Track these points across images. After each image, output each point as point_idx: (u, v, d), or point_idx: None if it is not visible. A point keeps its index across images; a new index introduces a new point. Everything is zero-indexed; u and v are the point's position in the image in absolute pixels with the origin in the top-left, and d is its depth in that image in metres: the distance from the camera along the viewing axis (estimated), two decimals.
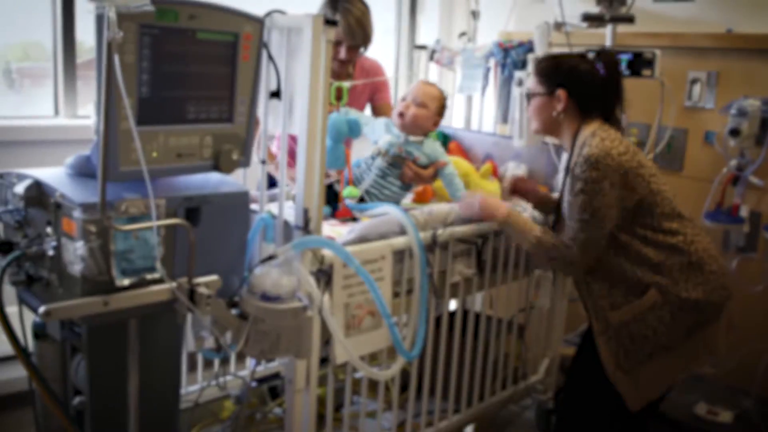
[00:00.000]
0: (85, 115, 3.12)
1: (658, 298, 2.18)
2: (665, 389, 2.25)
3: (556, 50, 2.99)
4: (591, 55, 2.37)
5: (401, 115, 2.58)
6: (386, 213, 2.34)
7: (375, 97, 3.19)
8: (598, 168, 2.14)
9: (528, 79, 2.45)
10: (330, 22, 1.90)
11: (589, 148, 2.19)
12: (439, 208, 2.50)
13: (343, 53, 2.92)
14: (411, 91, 2.64)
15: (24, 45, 3.19)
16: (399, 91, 4.40)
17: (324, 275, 2.02)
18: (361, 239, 2.18)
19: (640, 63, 2.78)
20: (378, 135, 2.62)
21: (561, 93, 2.31)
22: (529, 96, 2.41)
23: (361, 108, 3.16)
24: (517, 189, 2.74)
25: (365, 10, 2.92)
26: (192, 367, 2.60)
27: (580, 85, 2.31)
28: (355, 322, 2.16)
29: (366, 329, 2.19)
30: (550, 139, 3.01)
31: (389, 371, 2.23)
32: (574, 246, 2.23)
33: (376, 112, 3.19)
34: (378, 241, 2.21)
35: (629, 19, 2.91)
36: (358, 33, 2.89)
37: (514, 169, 3.04)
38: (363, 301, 2.16)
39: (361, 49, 3.02)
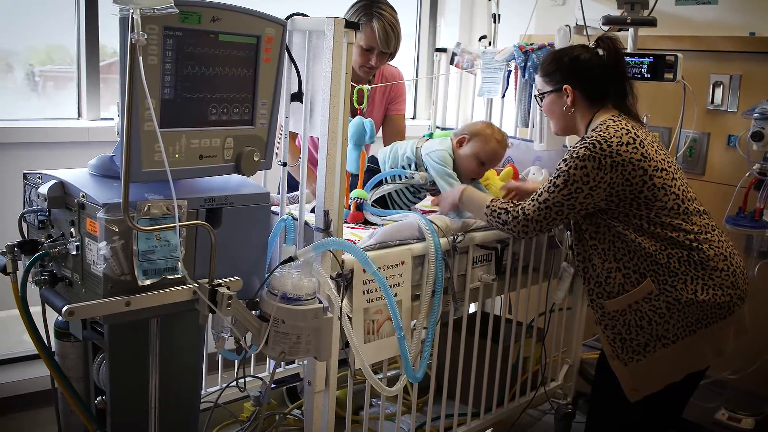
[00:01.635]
0: (108, 117, 3.15)
1: (654, 289, 2.17)
2: (666, 384, 2.23)
3: None
4: (592, 44, 2.36)
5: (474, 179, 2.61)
6: (406, 218, 2.35)
7: (390, 107, 3.19)
8: (589, 149, 2.14)
9: (536, 79, 2.45)
10: (352, 25, 1.91)
11: (592, 134, 2.19)
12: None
13: (374, 60, 2.91)
14: (493, 158, 2.58)
15: (48, 48, 3.23)
16: (418, 95, 4.42)
17: (344, 280, 2.02)
18: (382, 244, 2.18)
19: (662, 66, 2.76)
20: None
21: (567, 88, 2.31)
22: (540, 97, 2.41)
23: (380, 115, 3.16)
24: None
25: (396, 17, 2.92)
26: (212, 367, 2.62)
27: (583, 75, 2.30)
28: (375, 328, 2.16)
29: (385, 335, 2.19)
30: (571, 143, 3.00)
31: (394, 387, 2.23)
32: (527, 206, 2.23)
33: (389, 121, 3.19)
34: (398, 246, 2.21)
35: (651, 23, 2.90)
36: (393, 39, 2.89)
37: (535, 174, 3.03)
38: (382, 307, 2.16)
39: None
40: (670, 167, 2.19)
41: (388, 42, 2.87)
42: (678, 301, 2.15)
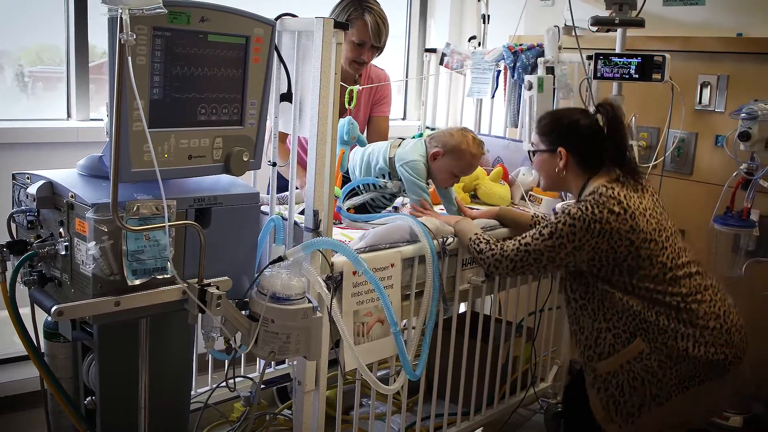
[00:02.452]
0: (97, 117, 3.15)
1: (645, 348, 2.18)
2: None
3: (566, 54, 3.00)
4: (591, 109, 2.38)
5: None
6: (395, 220, 2.35)
7: (375, 108, 3.20)
8: (581, 210, 2.17)
9: (532, 135, 2.45)
10: (341, 25, 1.91)
11: (587, 197, 2.21)
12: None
13: (366, 55, 2.93)
14: (468, 171, 2.59)
15: (37, 49, 3.22)
16: (408, 95, 4.43)
17: (333, 282, 2.03)
18: (372, 247, 2.19)
19: (650, 66, 2.78)
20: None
21: (561, 150, 2.31)
22: (533, 152, 2.42)
23: (364, 117, 3.17)
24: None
25: (383, 10, 2.94)
26: (202, 368, 2.62)
27: (580, 141, 2.31)
28: (364, 330, 2.17)
29: (375, 337, 2.19)
30: None
31: (394, 385, 2.24)
32: (508, 244, 2.25)
33: (372, 123, 3.20)
34: (388, 249, 2.22)
35: (639, 23, 2.91)
36: (383, 33, 2.91)
37: (525, 174, 3.04)
38: (372, 309, 2.17)
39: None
40: (660, 236, 2.19)
41: (379, 35, 2.89)
42: (669, 357, 2.15)
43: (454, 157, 2.52)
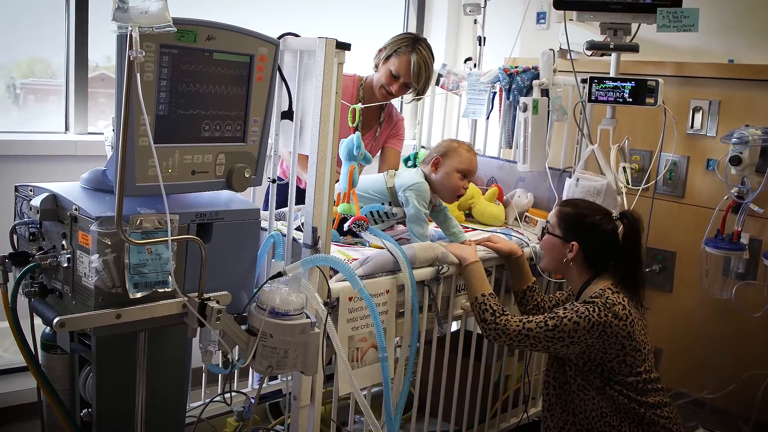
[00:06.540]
0: (95, 131, 3.16)
1: None
2: None
3: (561, 77, 3.04)
4: (616, 215, 2.42)
5: (460, 196, 2.62)
6: (387, 248, 2.36)
7: (389, 140, 3.26)
8: (589, 310, 2.21)
9: (551, 214, 2.48)
10: (342, 46, 1.94)
11: (596, 299, 2.26)
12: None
13: (395, 87, 3.00)
14: (471, 167, 2.59)
15: (29, 61, 3.22)
16: (404, 115, 4.45)
17: (329, 308, 2.04)
18: (369, 276, 2.21)
19: (643, 91, 2.82)
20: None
21: (574, 245, 2.36)
22: (546, 231, 2.45)
23: (378, 147, 3.24)
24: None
25: (432, 59, 3.04)
26: (195, 383, 2.62)
27: (595, 244, 2.36)
28: (359, 355, 2.18)
29: (369, 362, 2.21)
30: (552, 163, 3.05)
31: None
32: (512, 322, 2.27)
33: (385, 152, 3.26)
34: (384, 276, 2.24)
35: (633, 48, 2.96)
36: (422, 77, 3.00)
37: (520, 197, 3.07)
38: (366, 335, 2.19)
39: (407, 97, 3.14)
40: (644, 348, 2.28)
41: (417, 76, 2.98)
42: None
43: (453, 155, 2.57)
